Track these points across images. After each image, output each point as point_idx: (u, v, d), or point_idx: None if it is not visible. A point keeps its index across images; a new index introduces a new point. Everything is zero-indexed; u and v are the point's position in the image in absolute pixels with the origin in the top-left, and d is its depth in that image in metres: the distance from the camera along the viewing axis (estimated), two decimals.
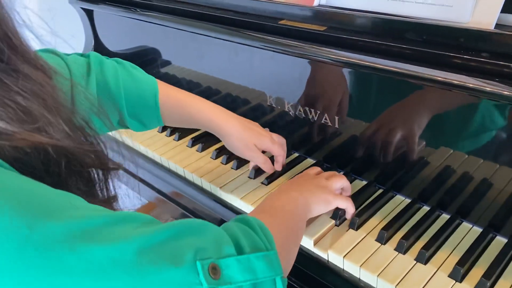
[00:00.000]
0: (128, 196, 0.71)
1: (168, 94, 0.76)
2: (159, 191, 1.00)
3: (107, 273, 0.34)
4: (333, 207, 0.71)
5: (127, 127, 0.75)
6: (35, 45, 0.42)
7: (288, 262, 0.55)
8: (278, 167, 0.84)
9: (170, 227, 0.40)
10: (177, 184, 0.94)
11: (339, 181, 0.73)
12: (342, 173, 0.84)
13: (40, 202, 0.35)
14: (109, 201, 0.49)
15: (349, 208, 0.72)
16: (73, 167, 0.42)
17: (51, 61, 0.44)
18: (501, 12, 0.60)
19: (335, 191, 0.72)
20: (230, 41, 0.88)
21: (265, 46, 0.82)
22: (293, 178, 0.76)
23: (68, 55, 0.70)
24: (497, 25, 0.61)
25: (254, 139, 0.78)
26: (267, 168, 0.82)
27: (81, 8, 1.26)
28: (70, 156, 0.41)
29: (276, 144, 0.81)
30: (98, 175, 0.47)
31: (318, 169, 0.79)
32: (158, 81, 0.77)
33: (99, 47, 1.34)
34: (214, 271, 0.40)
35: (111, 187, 0.49)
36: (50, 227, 0.33)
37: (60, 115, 0.41)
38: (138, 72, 0.76)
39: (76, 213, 0.36)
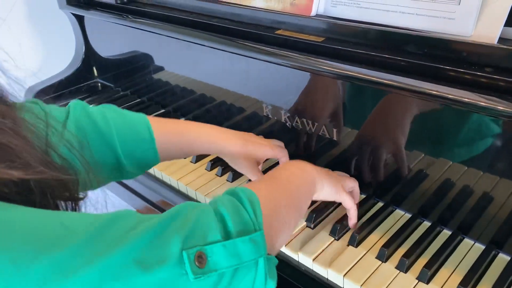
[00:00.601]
0: (114, 204, 0.68)
1: (161, 125, 0.72)
2: (147, 200, 0.97)
3: (101, 285, 0.34)
4: (340, 199, 0.70)
5: (122, 175, 0.69)
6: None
7: (279, 237, 0.53)
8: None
9: (156, 223, 0.40)
10: (169, 196, 0.92)
11: (351, 182, 0.74)
12: None
13: (31, 235, 0.34)
14: None
15: (352, 211, 0.71)
16: (47, 199, 0.42)
17: (28, 106, 0.44)
18: (504, 26, 0.59)
19: (346, 188, 0.71)
20: (225, 51, 0.86)
21: (261, 57, 0.80)
22: None
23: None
24: (500, 39, 0.60)
25: (256, 152, 0.77)
26: None
27: (72, 13, 1.23)
28: (44, 188, 0.41)
29: (276, 148, 0.80)
30: (67, 207, 0.46)
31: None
32: (148, 116, 0.73)
33: (90, 53, 1.31)
34: (200, 259, 0.39)
35: None
36: (42, 262, 0.33)
37: (34, 149, 0.40)
38: (126, 110, 0.72)
39: (66, 238, 0.35)
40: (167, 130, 0.72)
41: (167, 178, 0.92)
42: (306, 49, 0.75)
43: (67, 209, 0.45)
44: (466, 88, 0.58)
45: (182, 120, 0.77)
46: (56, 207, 0.44)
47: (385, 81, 0.65)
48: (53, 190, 0.42)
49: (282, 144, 0.85)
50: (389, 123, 0.72)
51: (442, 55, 0.63)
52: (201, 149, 0.75)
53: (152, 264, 0.37)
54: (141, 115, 0.72)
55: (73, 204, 0.46)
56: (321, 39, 0.75)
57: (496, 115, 0.58)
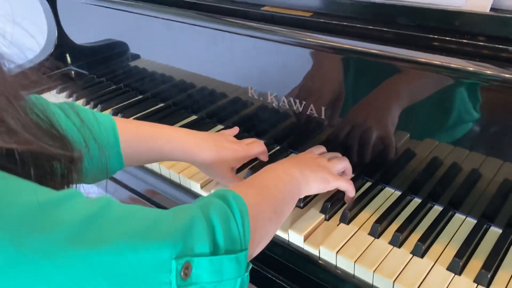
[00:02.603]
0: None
1: (127, 127, 0.66)
2: (133, 190, 0.93)
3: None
4: (332, 187, 0.68)
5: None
6: None
7: (258, 248, 0.52)
8: (265, 158, 0.81)
9: (151, 219, 0.39)
10: (152, 182, 0.88)
11: (341, 163, 0.71)
12: None
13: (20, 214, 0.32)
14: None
15: (349, 191, 0.70)
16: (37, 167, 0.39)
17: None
18: None
19: (335, 172, 0.69)
20: (209, 28, 0.83)
21: (247, 32, 0.78)
22: (296, 155, 0.72)
23: None
24: (492, 9, 0.59)
25: (231, 156, 0.72)
26: None
27: None
28: (31, 161, 0.38)
29: (251, 147, 0.76)
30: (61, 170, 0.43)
31: (322, 148, 0.76)
32: (115, 117, 0.68)
33: (63, 40, 1.26)
34: (186, 271, 0.39)
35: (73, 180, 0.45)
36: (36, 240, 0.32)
37: (21, 114, 0.38)
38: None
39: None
40: (135, 133, 0.66)
41: (156, 167, 0.87)
42: (294, 24, 0.73)
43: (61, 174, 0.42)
44: (457, 56, 0.58)
45: (150, 123, 0.72)
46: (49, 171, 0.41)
47: (378, 52, 0.64)
48: (41, 165, 0.39)
49: (255, 140, 0.80)
50: (379, 99, 0.70)
51: (435, 26, 0.62)
52: (172, 156, 0.70)
53: (141, 246, 0.36)
54: (105, 115, 0.66)
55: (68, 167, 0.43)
56: (309, 14, 0.73)
57: (486, 80, 0.57)
